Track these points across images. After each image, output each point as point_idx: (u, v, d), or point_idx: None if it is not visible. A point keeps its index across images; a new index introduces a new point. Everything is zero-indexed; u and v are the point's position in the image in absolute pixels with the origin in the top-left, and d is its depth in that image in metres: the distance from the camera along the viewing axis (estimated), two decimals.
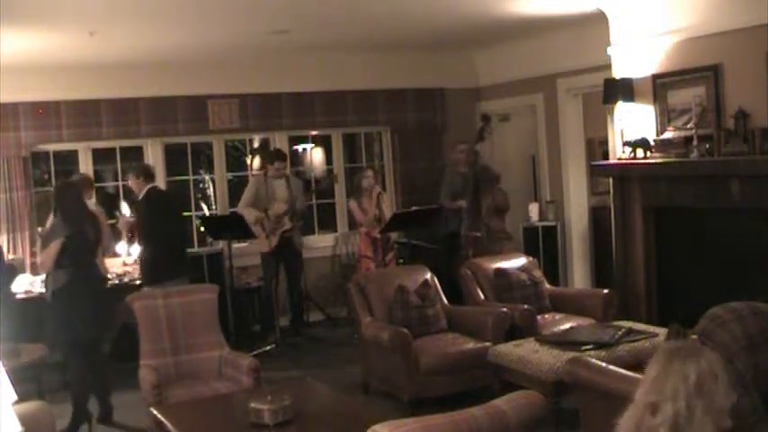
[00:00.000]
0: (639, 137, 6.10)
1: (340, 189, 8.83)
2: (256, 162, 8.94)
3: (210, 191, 9.76)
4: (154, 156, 8.07)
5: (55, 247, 5.27)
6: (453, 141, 8.51)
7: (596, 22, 6.64)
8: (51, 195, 5.67)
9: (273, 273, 7.73)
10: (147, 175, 6.82)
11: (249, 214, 7.49)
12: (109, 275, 6.61)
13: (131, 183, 6.85)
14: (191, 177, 8.46)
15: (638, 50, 6.24)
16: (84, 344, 5.45)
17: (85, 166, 7.83)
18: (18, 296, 6.76)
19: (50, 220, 5.61)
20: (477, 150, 7.80)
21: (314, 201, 8.36)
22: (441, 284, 6.23)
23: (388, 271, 6.69)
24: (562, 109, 8.11)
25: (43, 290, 6.85)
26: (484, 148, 7.97)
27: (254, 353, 6.42)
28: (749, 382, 2.73)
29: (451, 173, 8.21)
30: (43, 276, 7.00)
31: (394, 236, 7.95)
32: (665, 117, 6.05)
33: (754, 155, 5.21)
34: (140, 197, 6.75)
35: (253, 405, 3.81)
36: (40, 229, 6.81)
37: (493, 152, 9.20)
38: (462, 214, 7.80)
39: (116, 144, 8.03)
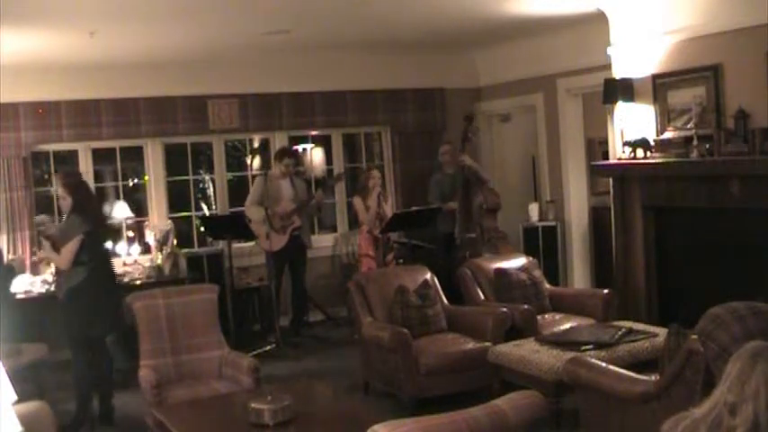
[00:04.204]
0: (639, 137, 6.10)
1: (340, 189, 8.83)
2: (256, 162, 8.93)
3: (210, 191, 9.76)
4: (154, 156, 8.08)
5: (74, 244, 5.21)
6: (443, 142, 8.45)
7: (596, 22, 6.64)
8: (66, 191, 5.37)
9: (279, 272, 7.68)
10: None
11: (256, 212, 7.46)
12: None
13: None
14: (191, 177, 8.45)
15: (638, 50, 6.23)
16: (94, 342, 5.43)
17: (85, 166, 7.82)
18: (18, 296, 6.77)
19: (66, 218, 5.46)
20: (463, 162, 7.62)
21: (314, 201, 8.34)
22: (440, 284, 6.23)
23: (388, 271, 6.68)
24: (562, 109, 8.10)
25: (43, 290, 6.88)
26: (472, 150, 7.87)
27: (254, 353, 6.42)
28: None
29: (439, 174, 8.17)
30: (45, 276, 7.04)
31: (394, 236, 7.94)
32: (665, 117, 6.05)
33: (754, 155, 5.21)
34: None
35: (253, 405, 3.81)
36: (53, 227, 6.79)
37: (493, 152, 9.21)
38: (455, 215, 7.77)
39: (116, 144, 8.02)
